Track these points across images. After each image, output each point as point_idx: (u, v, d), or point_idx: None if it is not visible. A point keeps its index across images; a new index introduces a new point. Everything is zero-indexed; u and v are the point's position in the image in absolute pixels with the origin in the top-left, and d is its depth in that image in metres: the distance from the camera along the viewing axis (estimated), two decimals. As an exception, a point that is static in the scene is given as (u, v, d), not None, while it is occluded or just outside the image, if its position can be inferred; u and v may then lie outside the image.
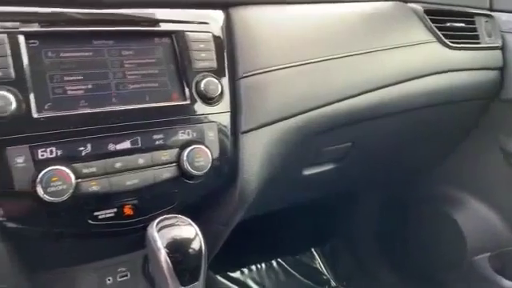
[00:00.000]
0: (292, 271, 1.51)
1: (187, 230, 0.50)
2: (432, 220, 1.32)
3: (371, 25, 0.91)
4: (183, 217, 0.53)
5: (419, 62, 0.95)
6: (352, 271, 1.56)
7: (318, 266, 1.58)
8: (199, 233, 0.51)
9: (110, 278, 0.74)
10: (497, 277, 1.15)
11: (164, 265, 0.47)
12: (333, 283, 1.56)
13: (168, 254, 0.47)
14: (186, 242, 0.49)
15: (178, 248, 0.48)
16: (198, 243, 0.49)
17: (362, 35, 0.88)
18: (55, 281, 0.70)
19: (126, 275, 0.76)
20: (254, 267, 1.50)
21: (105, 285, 0.74)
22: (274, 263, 1.52)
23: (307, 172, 0.95)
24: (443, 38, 0.98)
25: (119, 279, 0.75)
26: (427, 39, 0.98)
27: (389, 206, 1.43)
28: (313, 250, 1.60)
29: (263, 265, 1.51)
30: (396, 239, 1.45)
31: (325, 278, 1.57)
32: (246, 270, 1.48)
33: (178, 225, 0.51)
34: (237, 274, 1.46)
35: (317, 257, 1.60)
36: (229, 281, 1.43)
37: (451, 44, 0.98)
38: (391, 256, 1.47)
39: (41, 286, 0.67)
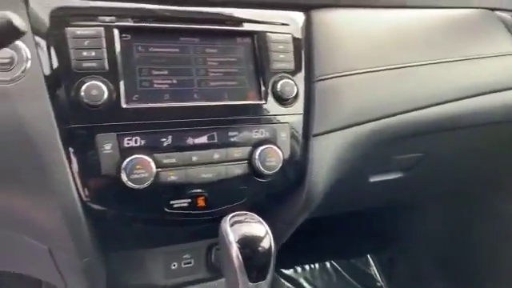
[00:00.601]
0: (345, 275, 1.50)
1: (258, 228, 0.52)
2: (498, 238, 1.26)
3: (454, 33, 0.88)
4: (254, 214, 0.55)
5: (502, 75, 0.90)
6: (407, 282, 1.52)
7: (372, 272, 1.55)
8: (269, 231, 0.52)
9: (175, 263, 0.78)
10: None
11: (235, 259, 0.49)
12: (387, 292, 1.53)
13: (239, 248, 0.49)
14: (257, 239, 0.50)
15: (248, 244, 0.50)
16: (268, 241, 0.51)
17: (444, 43, 0.85)
18: (126, 260, 0.74)
19: (190, 262, 0.79)
20: (307, 267, 1.50)
21: (170, 269, 0.78)
22: (328, 265, 1.52)
23: (374, 179, 0.94)
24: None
25: (183, 265, 0.79)
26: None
27: (453, 220, 1.38)
28: (369, 256, 1.58)
29: (317, 265, 1.51)
30: (458, 256, 1.39)
31: (378, 285, 1.54)
32: (299, 269, 1.49)
33: (250, 222, 0.53)
34: (290, 272, 1.47)
35: (372, 263, 1.57)
36: (282, 277, 1.45)
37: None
38: (451, 273, 1.41)
39: (113, 264, 0.72)
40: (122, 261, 0.74)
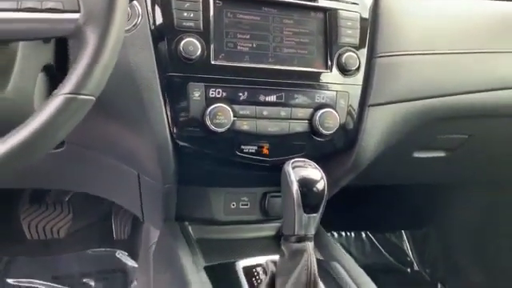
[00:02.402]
0: (379, 246, 1.60)
1: (315, 172, 0.62)
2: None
3: (509, 25, 0.93)
4: (312, 162, 0.66)
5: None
6: (438, 261, 1.59)
7: (405, 247, 1.64)
8: (324, 176, 0.62)
9: (234, 203, 0.90)
10: None
11: (295, 195, 0.60)
12: (416, 267, 1.62)
13: (299, 187, 0.60)
14: (314, 181, 0.61)
15: (306, 184, 0.60)
16: (322, 183, 0.61)
17: (498, 34, 0.91)
18: (194, 195, 0.87)
19: (247, 205, 0.91)
20: (343, 233, 1.61)
21: (229, 208, 0.90)
22: (363, 235, 1.62)
23: (418, 155, 1.02)
24: None
25: (241, 206, 0.91)
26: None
27: (490, 205, 1.43)
28: (403, 231, 1.66)
29: (353, 234, 1.61)
30: (491, 240, 1.45)
31: (409, 260, 1.63)
32: (335, 234, 1.59)
33: (308, 167, 0.63)
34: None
35: (405, 239, 1.66)
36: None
37: None
38: (482, 255, 1.47)
39: (183, 195, 0.85)
40: (191, 195, 0.87)
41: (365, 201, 1.51)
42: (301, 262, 0.61)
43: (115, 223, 1.33)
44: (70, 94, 0.45)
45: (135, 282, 1.27)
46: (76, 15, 0.46)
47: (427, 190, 1.48)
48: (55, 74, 0.67)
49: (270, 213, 0.92)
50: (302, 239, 0.62)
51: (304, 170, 0.62)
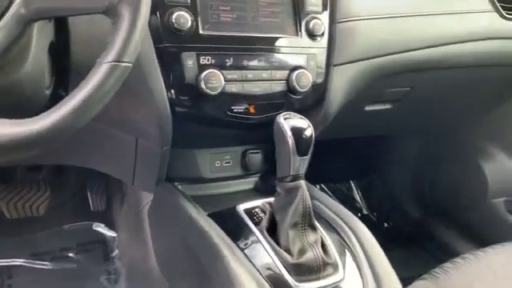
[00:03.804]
0: (331, 195, 1.77)
1: (302, 121, 0.74)
2: (460, 166, 1.54)
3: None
4: (298, 114, 0.77)
5: (476, 27, 1.13)
6: (383, 204, 1.81)
7: (354, 195, 1.84)
8: (310, 124, 0.74)
9: (218, 162, 1.00)
10: (510, 217, 1.38)
11: (289, 141, 0.71)
12: (364, 211, 1.83)
13: (292, 134, 0.72)
14: (303, 129, 0.72)
15: (298, 131, 0.72)
16: (310, 130, 0.73)
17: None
18: (183, 156, 0.96)
19: (229, 162, 1.02)
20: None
21: (214, 166, 1.00)
22: (318, 187, 1.78)
23: (368, 108, 1.18)
24: (501, 9, 1.14)
25: (224, 164, 1.01)
26: (486, 9, 1.15)
27: (425, 151, 1.65)
28: (351, 181, 1.85)
29: (308, 187, 1.77)
30: (427, 181, 1.68)
31: (358, 206, 1.83)
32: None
33: (296, 118, 0.75)
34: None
35: (354, 188, 1.85)
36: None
37: (507, 15, 1.15)
38: (421, 195, 1.70)
39: (174, 157, 0.93)
40: (180, 157, 0.95)
41: (317, 154, 1.66)
42: (297, 196, 0.73)
43: (91, 196, 1.37)
44: (113, 61, 0.52)
45: (116, 251, 1.34)
46: None
47: (370, 141, 1.66)
48: (57, 50, 0.72)
49: (250, 168, 1.03)
50: (296, 178, 0.74)
51: (294, 121, 0.74)
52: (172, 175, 0.96)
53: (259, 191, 1.03)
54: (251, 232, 0.76)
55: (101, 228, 1.39)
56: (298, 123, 0.74)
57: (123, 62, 0.52)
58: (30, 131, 0.48)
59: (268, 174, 1.08)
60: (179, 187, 0.97)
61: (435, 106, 1.31)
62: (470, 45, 1.12)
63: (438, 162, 1.63)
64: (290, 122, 0.73)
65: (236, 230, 0.78)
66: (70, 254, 1.33)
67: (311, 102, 0.92)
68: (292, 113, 0.76)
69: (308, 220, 0.73)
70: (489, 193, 1.44)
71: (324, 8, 0.91)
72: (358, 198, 1.83)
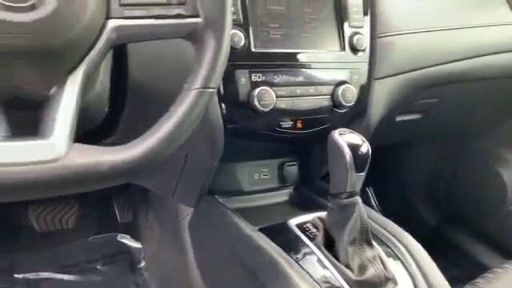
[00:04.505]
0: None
1: (357, 138, 0.75)
2: (478, 173, 1.56)
3: (472, 5, 1.12)
4: (352, 130, 0.78)
5: (502, 40, 1.15)
6: (399, 210, 1.83)
7: (370, 201, 1.85)
8: (365, 140, 0.75)
9: (257, 174, 1.01)
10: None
11: (347, 157, 0.72)
12: (380, 217, 1.84)
13: (350, 150, 0.72)
14: (359, 145, 0.73)
15: (354, 148, 0.73)
16: (366, 147, 0.74)
17: (464, 13, 1.09)
18: (223, 170, 0.96)
19: (267, 175, 1.03)
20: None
21: (252, 179, 1.01)
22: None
23: (398, 118, 1.19)
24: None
25: (262, 177, 1.02)
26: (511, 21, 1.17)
27: (441, 157, 1.67)
28: (367, 188, 1.87)
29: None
30: (443, 187, 1.70)
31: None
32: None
33: (350, 134, 0.75)
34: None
35: (370, 194, 1.87)
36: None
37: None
38: (437, 201, 1.72)
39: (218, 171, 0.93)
40: (221, 170, 0.96)
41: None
42: (353, 213, 0.74)
43: (118, 208, 1.36)
44: (200, 88, 0.52)
45: (143, 262, 1.34)
46: (197, 20, 0.53)
47: (386, 148, 1.68)
48: (115, 71, 0.72)
49: (287, 180, 1.04)
50: (352, 194, 0.75)
51: (349, 137, 0.75)
52: (212, 188, 0.97)
53: (295, 203, 1.04)
54: (308, 248, 0.77)
55: (126, 239, 1.39)
56: (354, 139, 0.74)
57: (210, 88, 0.53)
58: (126, 159, 0.48)
59: (302, 185, 1.09)
60: (219, 200, 0.98)
61: (459, 115, 1.34)
62: (495, 57, 1.14)
63: (455, 169, 1.65)
64: (345, 137, 0.74)
65: (290, 245, 0.78)
66: (97, 266, 1.32)
67: (354, 116, 0.94)
68: (346, 129, 0.77)
69: (365, 236, 0.74)
70: (508, 199, 1.46)
71: (365, 23, 0.92)
72: (374, 204, 1.85)
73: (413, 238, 0.84)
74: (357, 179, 0.75)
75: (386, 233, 0.85)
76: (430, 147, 1.70)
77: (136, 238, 1.39)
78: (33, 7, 0.43)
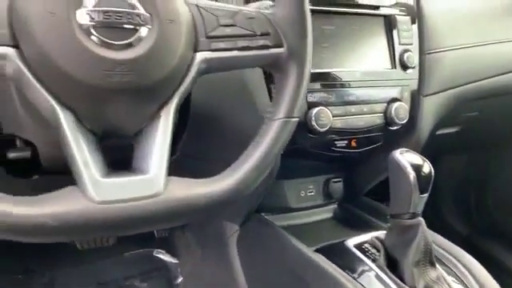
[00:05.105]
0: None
1: (418, 158, 0.74)
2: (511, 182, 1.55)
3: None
4: (411, 151, 0.78)
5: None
6: (429, 219, 1.81)
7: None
8: (427, 160, 0.75)
9: (303, 191, 1.01)
10: None
11: (411, 178, 0.72)
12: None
13: (413, 170, 0.72)
14: (422, 166, 0.73)
15: (418, 168, 0.73)
16: (428, 167, 0.74)
17: (507, 27, 1.09)
18: (275, 188, 0.96)
19: (312, 192, 1.02)
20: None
21: (299, 195, 1.01)
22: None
23: (439, 132, 1.19)
24: None
25: (308, 194, 1.02)
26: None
27: (472, 166, 1.67)
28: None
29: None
30: (473, 196, 1.69)
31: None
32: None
33: (411, 154, 0.75)
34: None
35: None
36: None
37: None
38: (467, 210, 1.71)
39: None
40: (270, 188, 0.96)
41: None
42: (417, 234, 0.74)
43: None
44: (285, 118, 0.53)
45: (181, 278, 1.33)
46: (281, 50, 0.53)
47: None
48: None
49: (332, 196, 1.04)
50: (414, 216, 0.74)
51: (411, 157, 0.74)
52: (261, 205, 0.97)
53: (341, 220, 1.04)
54: (371, 269, 0.76)
55: (162, 255, 1.39)
56: (415, 159, 0.74)
57: (293, 117, 0.53)
58: (219, 191, 0.48)
59: (345, 202, 1.09)
60: (266, 218, 0.98)
61: (497, 127, 1.33)
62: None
63: (486, 179, 1.64)
64: (407, 158, 0.74)
65: (352, 266, 0.78)
66: (135, 283, 1.32)
67: (404, 132, 0.93)
68: (405, 149, 0.77)
69: (429, 257, 0.74)
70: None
71: (414, 40, 0.92)
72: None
73: (474, 259, 0.83)
74: (420, 200, 0.74)
75: (443, 252, 0.84)
76: (460, 157, 1.69)
77: (172, 253, 1.39)
78: (130, 45, 0.43)
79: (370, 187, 1.10)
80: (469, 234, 1.72)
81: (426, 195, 0.74)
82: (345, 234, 0.89)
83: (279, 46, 0.53)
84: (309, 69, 0.55)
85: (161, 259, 1.39)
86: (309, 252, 0.81)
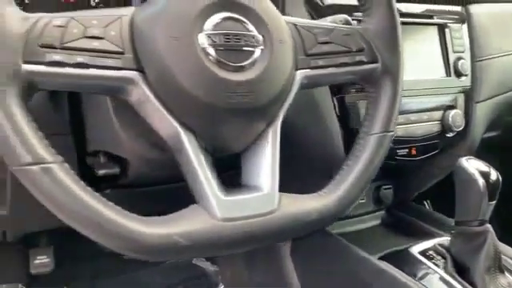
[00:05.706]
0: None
1: (485, 166, 0.75)
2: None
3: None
4: (476, 158, 0.79)
5: None
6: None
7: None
8: (492, 167, 0.76)
9: None
10: None
11: (481, 185, 0.72)
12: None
13: (481, 177, 0.73)
14: (490, 173, 0.74)
15: (486, 176, 0.73)
16: (495, 174, 0.74)
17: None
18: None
19: (363, 199, 1.03)
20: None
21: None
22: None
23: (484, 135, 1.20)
24: None
25: (360, 200, 1.02)
26: None
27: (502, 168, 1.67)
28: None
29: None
30: (502, 198, 1.69)
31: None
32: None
33: (478, 162, 0.76)
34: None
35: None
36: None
37: None
38: (497, 213, 1.71)
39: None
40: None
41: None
42: (486, 240, 0.74)
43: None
44: (381, 133, 0.54)
45: (221, 285, 1.34)
46: (375, 65, 0.54)
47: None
48: None
49: (383, 203, 1.04)
50: (482, 222, 0.75)
51: (478, 165, 0.75)
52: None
53: (393, 226, 1.05)
54: (440, 276, 0.77)
55: (201, 262, 1.39)
56: (482, 167, 0.75)
57: (389, 131, 0.54)
58: (327, 206, 0.49)
59: (393, 208, 1.09)
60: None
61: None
62: None
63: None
64: (474, 165, 0.75)
65: (420, 273, 0.78)
66: (178, 291, 1.33)
67: (459, 139, 0.94)
68: (471, 157, 0.78)
69: (498, 263, 0.74)
70: None
71: (466, 47, 0.93)
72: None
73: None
74: (488, 207, 0.75)
75: (508, 259, 0.85)
76: (489, 160, 1.70)
77: (212, 260, 1.39)
78: (248, 67, 0.45)
79: (418, 192, 1.11)
80: (499, 238, 1.72)
81: (493, 202, 0.75)
82: (402, 240, 0.90)
83: (374, 61, 0.54)
84: (402, 82, 0.56)
85: (200, 267, 1.39)
86: (374, 260, 0.82)
